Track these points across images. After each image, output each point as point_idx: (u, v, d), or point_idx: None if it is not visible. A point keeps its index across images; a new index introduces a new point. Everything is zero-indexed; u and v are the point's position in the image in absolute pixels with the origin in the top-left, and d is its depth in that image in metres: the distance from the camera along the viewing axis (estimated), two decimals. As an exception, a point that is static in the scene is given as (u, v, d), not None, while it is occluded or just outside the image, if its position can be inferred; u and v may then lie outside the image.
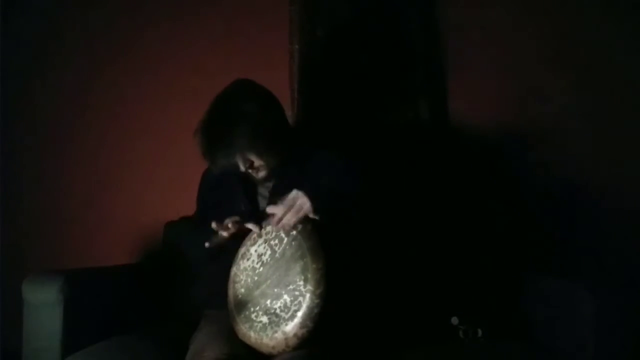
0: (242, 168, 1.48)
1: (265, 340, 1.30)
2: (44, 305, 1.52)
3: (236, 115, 1.44)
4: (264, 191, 1.58)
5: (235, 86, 1.51)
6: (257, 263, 1.41)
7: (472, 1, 2.05)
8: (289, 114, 1.89)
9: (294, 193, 1.30)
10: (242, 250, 1.47)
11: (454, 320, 1.64)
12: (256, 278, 1.39)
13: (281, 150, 1.50)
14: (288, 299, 1.29)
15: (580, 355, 1.44)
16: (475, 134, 2.01)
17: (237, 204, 1.57)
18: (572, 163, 1.99)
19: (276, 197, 1.48)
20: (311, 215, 1.29)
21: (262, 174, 1.51)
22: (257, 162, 1.48)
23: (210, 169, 1.60)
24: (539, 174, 2.01)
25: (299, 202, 1.29)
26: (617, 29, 2.01)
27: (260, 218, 1.44)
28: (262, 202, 1.57)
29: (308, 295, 1.26)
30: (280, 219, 1.30)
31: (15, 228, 2.21)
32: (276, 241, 1.39)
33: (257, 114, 1.45)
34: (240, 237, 1.48)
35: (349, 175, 1.49)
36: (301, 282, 1.28)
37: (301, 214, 1.29)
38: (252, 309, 1.36)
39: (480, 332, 1.63)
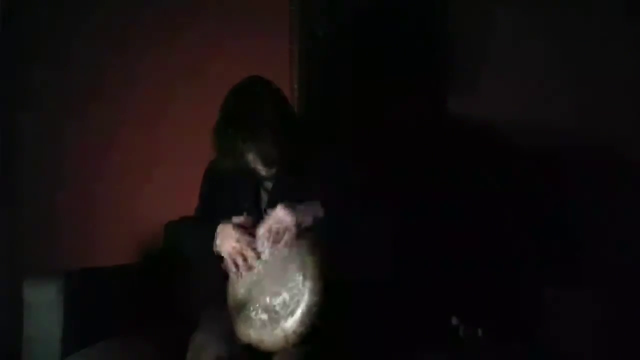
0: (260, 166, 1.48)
1: (265, 337, 1.30)
2: (44, 305, 1.52)
3: (257, 108, 1.43)
4: (268, 185, 1.58)
5: (249, 82, 1.51)
6: (255, 262, 1.42)
7: (472, 0, 2.05)
8: (289, 113, 1.89)
9: (277, 212, 1.36)
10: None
11: (454, 320, 1.64)
12: (255, 277, 1.39)
13: (293, 144, 1.49)
14: (287, 296, 1.29)
15: (581, 356, 1.44)
16: (476, 134, 2.00)
17: (240, 202, 1.57)
18: (574, 164, 1.99)
19: (276, 195, 1.50)
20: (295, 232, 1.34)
21: (272, 169, 1.51)
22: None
23: (216, 165, 1.58)
24: (540, 173, 2.01)
25: (281, 222, 1.35)
26: (619, 29, 2.01)
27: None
28: (265, 196, 1.57)
29: (307, 292, 1.27)
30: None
31: (15, 228, 2.21)
32: (274, 239, 1.39)
33: (276, 105, 1.46)
34: None
35: (348, 175, 1.49)
36: (300, 280, 1.28)
37: (285, 238, 1.35)
38: (251, 308, 1.36)
39: (480, 332, 1.63)
